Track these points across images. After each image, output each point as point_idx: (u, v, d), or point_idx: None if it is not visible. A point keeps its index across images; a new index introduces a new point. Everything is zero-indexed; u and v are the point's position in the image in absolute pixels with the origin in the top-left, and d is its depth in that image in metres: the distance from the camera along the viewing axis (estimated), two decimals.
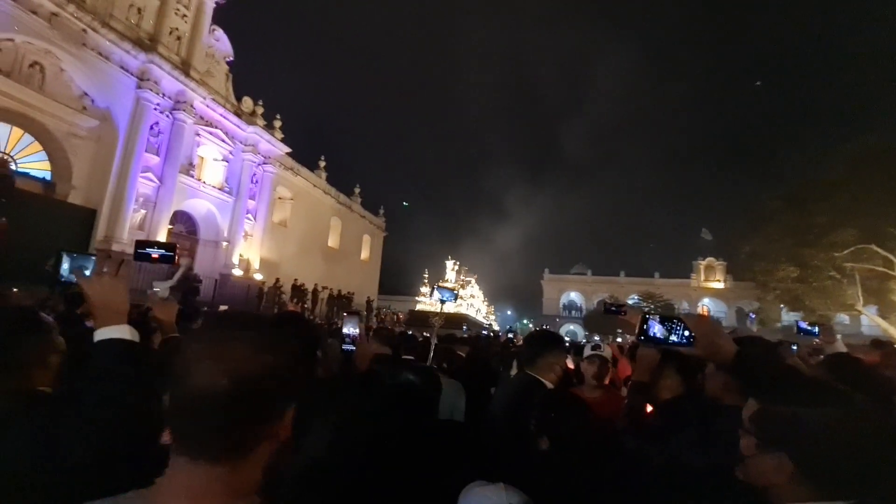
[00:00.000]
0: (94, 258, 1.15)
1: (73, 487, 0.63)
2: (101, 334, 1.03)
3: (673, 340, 1.22)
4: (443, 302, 4.23)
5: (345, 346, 1.85)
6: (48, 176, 13.18)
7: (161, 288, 1.71)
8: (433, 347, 3.68)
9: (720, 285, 44.65)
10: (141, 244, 1.29)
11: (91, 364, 0.99)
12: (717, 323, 1.27)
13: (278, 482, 0.66)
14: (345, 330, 1.86)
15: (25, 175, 12.40)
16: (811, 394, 0.99)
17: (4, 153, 12.31)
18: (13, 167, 12.24)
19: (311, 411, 1.07)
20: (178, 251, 1.40)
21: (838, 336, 3.12)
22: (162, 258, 1.27)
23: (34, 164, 12.96)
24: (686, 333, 1.20)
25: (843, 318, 25.60)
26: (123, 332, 1.04)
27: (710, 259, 45.33)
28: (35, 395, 1.08)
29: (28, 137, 12.72)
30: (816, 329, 3.07)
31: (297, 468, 1.02)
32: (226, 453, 0.59)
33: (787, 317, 25.44)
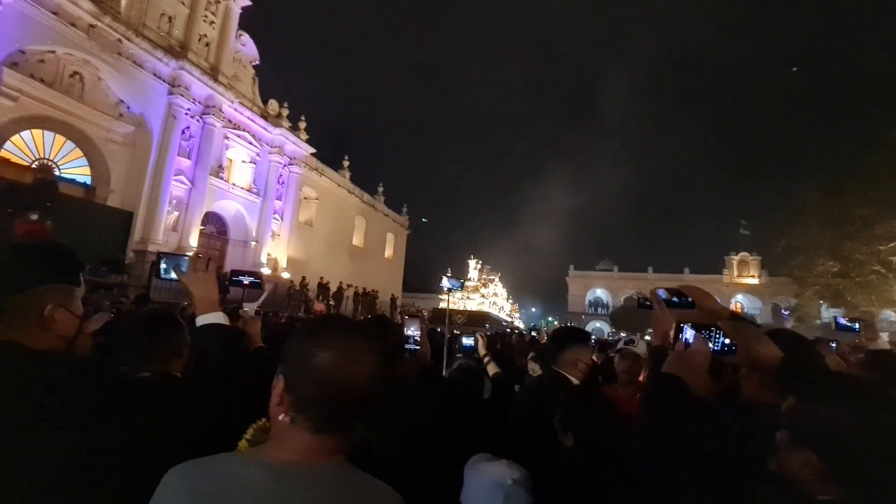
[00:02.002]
0: (187, 258, 1.35)
1: (198, 447, 0.79)
2: (202, 320, 1.23)
3: (710, 349, 1.18)
4: (450, 290, 4.33)
5: (408, 346, 2.06)
6: (88, 180, 13.83)
7: (249, 307, 2.02)
8: (445, 341, 3.81)
9: (754, 281, 43.03)
10: (234, 273, 1.56)
11: (198, 344, 1.20)
12: (756, 328, 1.22)
13: (360, 447, 0.86)
14: (408, 332, 2.09)
15: (69, 180, 13.05)
16: (854, 396, 0.97)
17: (48, 159, 12.98)
18: (57, 173, 12.89)
19: (401, 399, 1.38)
20: (263, 279, 1.65)
21: (884, 334, 2.97)
22: (251, 284, 1.55)
23: (76, 169, 13.62)
24: (726, 341, 1.16)
25: (889, 314, 24.26)
26: (219, 317, 1.23)
27: (743, 254, 43.73)
28: (171, 377, 1.39)
29: (70, 144, 13.37)
30: (857, 325, 2.93)
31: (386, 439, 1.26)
32: (340, 430, 0.78)
33: (827, 313, 24.30)
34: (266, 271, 18.95)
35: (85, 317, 1.11)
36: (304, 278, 18.97)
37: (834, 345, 2.95)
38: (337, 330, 0.84)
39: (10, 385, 0.82)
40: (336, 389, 0.75)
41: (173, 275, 1.32)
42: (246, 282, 1.55)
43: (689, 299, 1.21)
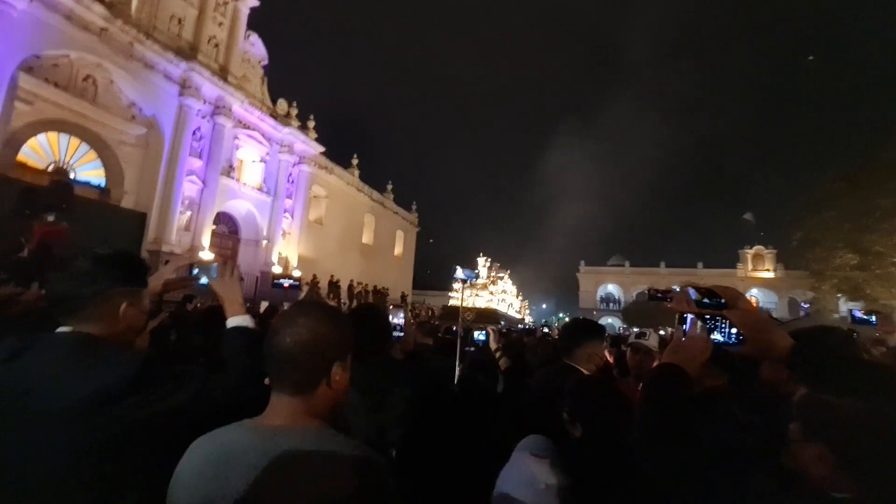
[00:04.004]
0: (216, 265, 1.47)
1: (222, 418, 0.97)
2: (232, 322, 1.35)
3: (717, 340, 1.13)
4: (465, 281, 4.35)
5: (393, 333, 2.18)
6: (103, 182, 14.06)
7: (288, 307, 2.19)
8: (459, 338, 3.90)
9: (770, 275, 42.31)
10: (276, 277, 1.69)
11: (228, 344, 1.31)
12: (765, 316, 1.18)
13: (338, 414, 1.02)
14: (394, 320, 2.16)
15: (84, 183, 13.27)
16: (870, 384, 0.91)
17: (64, 162, 13.22)
18: (72, 175, 13.13)
19: (388, 377, 1.56)
20: (302, 281, 1.84)
21: None
22: (291, 287, 1.62)
23: (91, 171, 13.86)
24: (733, 331, 1.11)
25: None
26: (247, 321, 1.36)
27: (758, 247, 43.01)
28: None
29: (84, 147, 13.60)
30: (874, 318, 2.84)
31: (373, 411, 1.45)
32: (294, 389, 0.93)
33: (846, 307, 23.78)
34: (277, 269, 19.14)
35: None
36: (314, 276, 19.11)
37: (855, 335, 2.88)
38: (293, 305, 1.05)
39: (87, 366, 1.04)
40: (275, 348, 0.93)
41: (205, 280, 1.46)
42: (286, 284, 1.67)
43: (722, 300, 1.15)
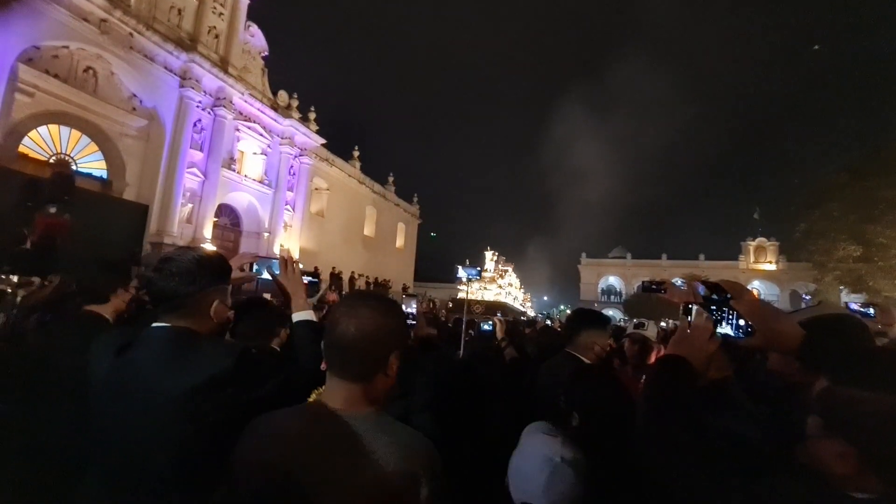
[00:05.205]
0: (276, 261, 1.56)
1: (289, 399, 1.04)
2: (297, 317, 1.45)
3: (726, 333, 1.11)
4: (469, 279, 4.39)
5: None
6: (105, 174, 14.03)
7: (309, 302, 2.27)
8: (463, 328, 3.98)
9: (772, 267, 42.22)
10: None
11: (297, 335, 1.43)
12: (773, 306, 1.15)
13: (389, 401, 1.04)
14: (407, 309, 2.30)
15: (86, 175, 13.25)
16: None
17: (66, 154, 13.19)
18: (74, 167, 13.10)
19: (409, 365, 1.52)
20: (321, 278, 1.87)
21: None
22: (310, 284, 1.78)
23: (92, 163, 13.83)
24: (740, 323, 1.09)
25: None
26: (310, 315, 1.46)
27: (760, 239, 42.88)
28: (272, 350, 1.81)
29: (85, 139, 13.55)
30: (871, 310, 2.78)
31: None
32: (355, 376, 0.96)
33: (848, 299, 23.72)
34: None
35: None
36: (315, 269, 19.11)
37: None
38: (352, 295, 1.09)
39: (190, 358, 1.14)
40: (339, 337, 0.95)
41: (266, 275, 1.54)
42: (305, 281, 1.79)
43: (728, 296, 1.14)
